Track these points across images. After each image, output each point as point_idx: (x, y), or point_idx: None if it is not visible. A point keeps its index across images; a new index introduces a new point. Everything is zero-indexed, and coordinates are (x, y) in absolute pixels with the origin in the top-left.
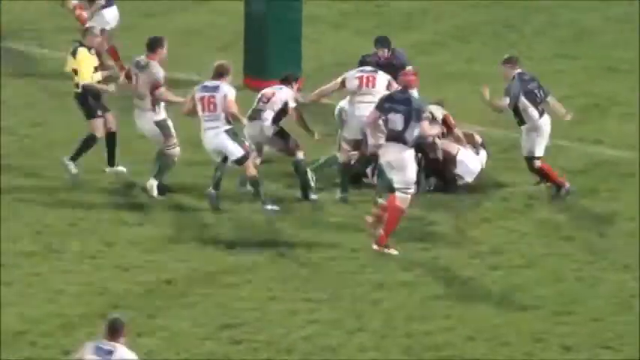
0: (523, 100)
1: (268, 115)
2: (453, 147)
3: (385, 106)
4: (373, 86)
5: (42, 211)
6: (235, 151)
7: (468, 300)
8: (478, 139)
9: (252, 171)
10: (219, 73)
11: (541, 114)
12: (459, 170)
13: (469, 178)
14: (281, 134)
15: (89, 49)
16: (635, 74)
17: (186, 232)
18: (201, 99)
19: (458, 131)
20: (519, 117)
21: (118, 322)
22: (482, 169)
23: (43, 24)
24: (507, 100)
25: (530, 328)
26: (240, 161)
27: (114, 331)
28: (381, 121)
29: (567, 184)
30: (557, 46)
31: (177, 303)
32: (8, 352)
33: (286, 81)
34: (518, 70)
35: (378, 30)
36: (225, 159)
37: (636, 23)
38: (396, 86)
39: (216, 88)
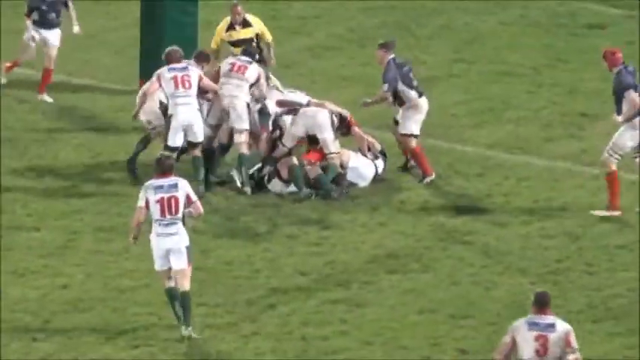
0: (400, 84)
1: None
2: (345, 154)
3: None
4: (243, 74)
5: None
6: None
7: (364, 304)
8: (378, 146)
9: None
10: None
11: (420, 94)
12: (350, 176)
13: (363, 183)
14: None
15: None
16: (529, 78)
17: (83, 237)
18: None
19: (359, 130)
20: (399, 100)
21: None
22: (378, 174)
23: None
24: (386, 87)
25: (427, 332)
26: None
27: (544, 304)
28: None
29: (433, 174)
30: (452, 50)
31: (73, 307)
32: None
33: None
34: (392, 56)
35: (273, 33)
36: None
37: (531, 27)
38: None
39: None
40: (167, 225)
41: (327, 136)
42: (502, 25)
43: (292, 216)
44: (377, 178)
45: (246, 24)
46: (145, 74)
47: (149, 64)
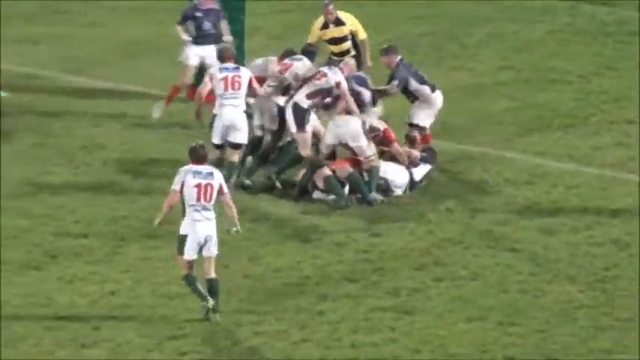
0: (412, 82)
1: None
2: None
3: None
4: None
5: None
6: None
7: (412, 312)
8: (416, 154)
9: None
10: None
11: (433, 89)
12: (384, 186)
13: (398, 191)
14: None
15: None
16: (577, 85)
17: (131, 243)
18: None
19: (397, 147)
20: (411, 96)
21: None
22: (415, 181)
23: None
24: (395, 83)
25: (475, 340)
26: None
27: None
28: None
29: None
30: (499, 58)
31: (122, 314)
32: None
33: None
34: (400, 57)
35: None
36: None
37: (578, 35)
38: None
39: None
40: (203, 210)
41: (362, 143)
42: (550, 33)
43: (340, 223)
44: (416, 185)
45: (339, 22)
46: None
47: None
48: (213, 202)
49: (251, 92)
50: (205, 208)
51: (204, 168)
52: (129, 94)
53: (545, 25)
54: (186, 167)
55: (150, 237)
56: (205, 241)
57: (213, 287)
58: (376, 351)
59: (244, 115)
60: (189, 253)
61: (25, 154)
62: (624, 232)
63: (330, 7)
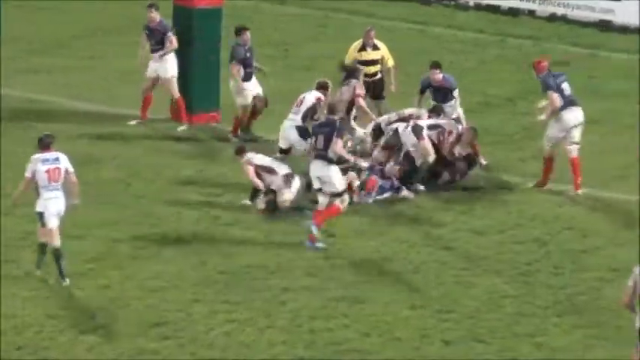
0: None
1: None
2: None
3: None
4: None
5: None
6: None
7: (363, 301)
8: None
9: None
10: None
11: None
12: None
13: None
14: None
15: None
16: (505, 108)
17: (121, 245)
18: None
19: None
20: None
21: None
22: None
23: None
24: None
25: (417, 325)
26: None
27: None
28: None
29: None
30: None
31: (113, 305)
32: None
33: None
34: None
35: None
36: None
37: (507, 64)
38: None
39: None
40: (54, 190)
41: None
42: (481, 63)
43: (299, 225)
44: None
45: (375, 47)
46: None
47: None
48: (61, 181)
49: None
50: (55, 188)
51: (51, 155)
52: (120, 116)
53: (477, 56)
54: (35, 156)
55: (137, 239)
56: (58, 214)
57: (60, 257)
58: (331, 335)
59: (294, 130)
60: (52, 223)
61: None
62: (542, 233)
63: (372, 32)
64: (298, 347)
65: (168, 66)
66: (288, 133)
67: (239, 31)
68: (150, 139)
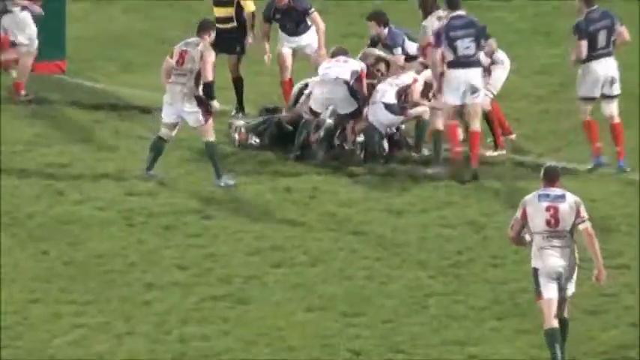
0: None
1: None
2: None
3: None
4: None
5: None
6: None
7: (247, 301)
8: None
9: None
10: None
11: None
12: None
13: None
14: None
15: None
16: None
17: None
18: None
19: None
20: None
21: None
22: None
23: None
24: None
25: (317, 331)
26: None
27: (553, 177)
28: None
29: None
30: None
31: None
32: None
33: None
34: (591, 8)
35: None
36: None
37: None
38: None
39: None
40: None
41: None
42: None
43: (169, 205)
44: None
45: None
46: None
47: None
48: None
49: None
50: None
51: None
52: None
53: None
54: None
55: None
56: None
57: None
58: (207, 345)
59: None
60: None
61: None
62: (479, 213)
63: None
64: (165, 359)
65: None
66: None
67: None
68: None
